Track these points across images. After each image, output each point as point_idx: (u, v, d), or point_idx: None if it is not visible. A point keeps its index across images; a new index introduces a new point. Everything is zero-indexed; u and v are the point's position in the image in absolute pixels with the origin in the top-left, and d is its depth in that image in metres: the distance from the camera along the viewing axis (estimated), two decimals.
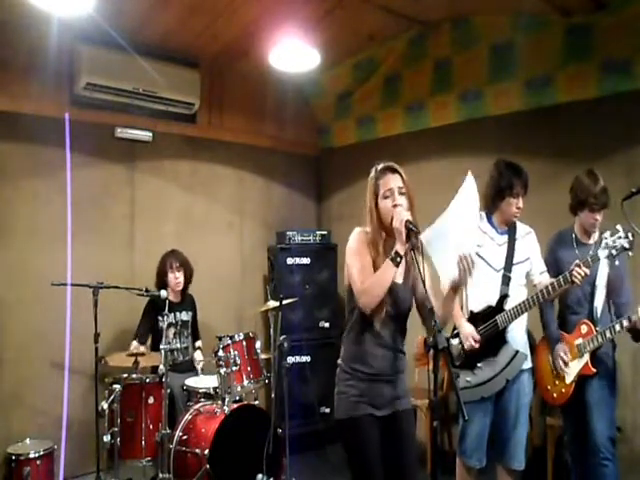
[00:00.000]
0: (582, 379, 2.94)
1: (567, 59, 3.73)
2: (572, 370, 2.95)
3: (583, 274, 2.63)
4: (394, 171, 2.24)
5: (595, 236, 3.03)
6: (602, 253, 2.65)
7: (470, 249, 2.13)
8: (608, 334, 2.83)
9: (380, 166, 2.27)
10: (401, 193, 2.20)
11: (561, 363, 2.97)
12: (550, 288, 2.74)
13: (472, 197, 2.15)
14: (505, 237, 2.92)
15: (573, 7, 3.58)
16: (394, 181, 2.22)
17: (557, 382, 3.03)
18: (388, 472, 2.22)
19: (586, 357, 2.91)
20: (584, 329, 2.94)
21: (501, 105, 4.14)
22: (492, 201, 2.90)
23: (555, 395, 3.05)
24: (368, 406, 2.20)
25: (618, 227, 2.65)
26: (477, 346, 2.82)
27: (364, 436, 2.19)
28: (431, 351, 1.96)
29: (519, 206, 2.86)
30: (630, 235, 2.62)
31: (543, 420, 3.68)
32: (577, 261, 2.66)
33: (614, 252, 2.64)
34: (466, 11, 4.11)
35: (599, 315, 2.96)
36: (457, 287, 2.16)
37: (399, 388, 2.27)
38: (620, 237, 2.62)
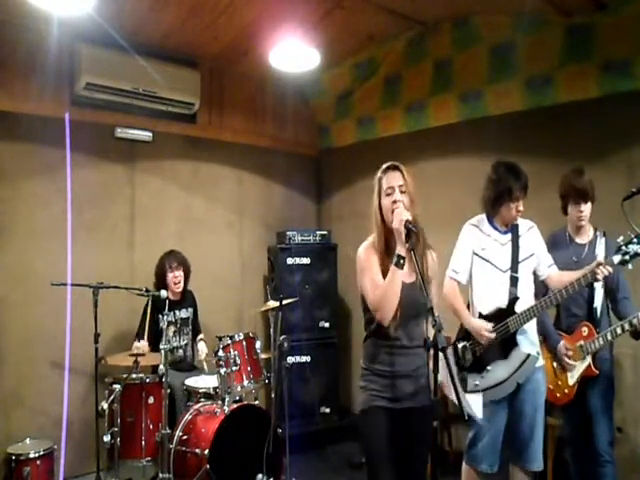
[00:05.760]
0: (584, 380, 2.93)
1: (567, 59, 3.73)
2: (575, 372, 2.95)
3: (607, 272, 2.60)
4: (395, 169, 2.26)
5: (589, 234, 3.03)
6: (616, 258, 2.61)
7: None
8: (609, 337, 2.81)
9: (384, 166, 2.30)
10: (402, 191, 2.22)
11: (566, 359, 2.96)
12: (570, 288, 2.67)
13: None
14: (508, 236, 2.88)
15: (573, 7, 3.58)
16: (395, 179, 2.24)
17: (560, 383, 3.03)
18: (399, 462, 2.26)
19: (588, 359, 2.90)
20: (585, 331, 2.93)
21: (501, 105, 4.14)
22: (492, 205, 2.86)
23: (558, 395, 3.05)
24: (384, 400, 2.26)
25: (630, 233, 2.62)
26: (493, 336, 2.75)
27: (374, 423, 2.26)
28: (431, 351, 1.97)
29: (519, 209, 2.81)
30: None
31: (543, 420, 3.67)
32: (599, 259, 2.62)
33: (627, 258, 2.59)
34: (466, 11, 4.11)
35: (599, 316, 2.95)
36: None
37: (418, 383, 2.28)
38: (633, 243, 2.58)
